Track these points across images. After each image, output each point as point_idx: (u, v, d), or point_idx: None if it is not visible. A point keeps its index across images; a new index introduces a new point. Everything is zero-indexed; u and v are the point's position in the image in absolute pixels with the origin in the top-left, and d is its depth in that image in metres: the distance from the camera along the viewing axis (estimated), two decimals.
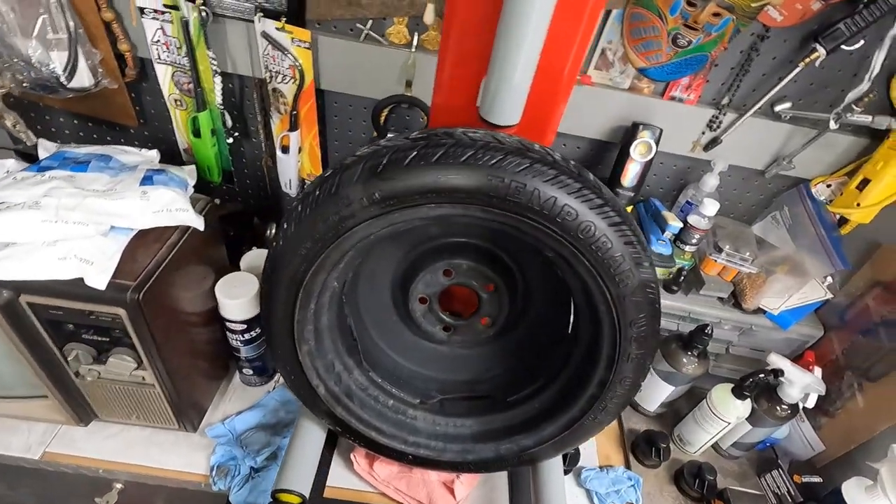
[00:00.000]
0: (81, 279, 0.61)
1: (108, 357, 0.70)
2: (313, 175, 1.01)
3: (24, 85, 0.83)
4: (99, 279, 0.60)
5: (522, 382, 0.80)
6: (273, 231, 1.04)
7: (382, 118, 0.92)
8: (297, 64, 0.84)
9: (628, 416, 1.06)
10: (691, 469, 0.96)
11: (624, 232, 0.58)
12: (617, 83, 0.89)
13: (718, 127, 0.90)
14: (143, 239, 0.67)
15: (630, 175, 0.90)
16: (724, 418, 0.91)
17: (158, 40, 0.83)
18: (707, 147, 0.93)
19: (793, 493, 0.93)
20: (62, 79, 0.82)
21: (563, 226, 0.57)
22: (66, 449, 0.82)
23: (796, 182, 0.97)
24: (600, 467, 0.98)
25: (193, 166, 0.83)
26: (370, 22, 0.84)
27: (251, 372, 0.95)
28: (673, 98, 0.89)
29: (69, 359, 0.69)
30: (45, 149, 0.76)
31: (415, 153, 0.55)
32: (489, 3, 0.56)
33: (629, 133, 0.89)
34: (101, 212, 0.63)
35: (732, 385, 0.91)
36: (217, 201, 0.81)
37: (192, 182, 0.78)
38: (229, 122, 0.93)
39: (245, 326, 0.85)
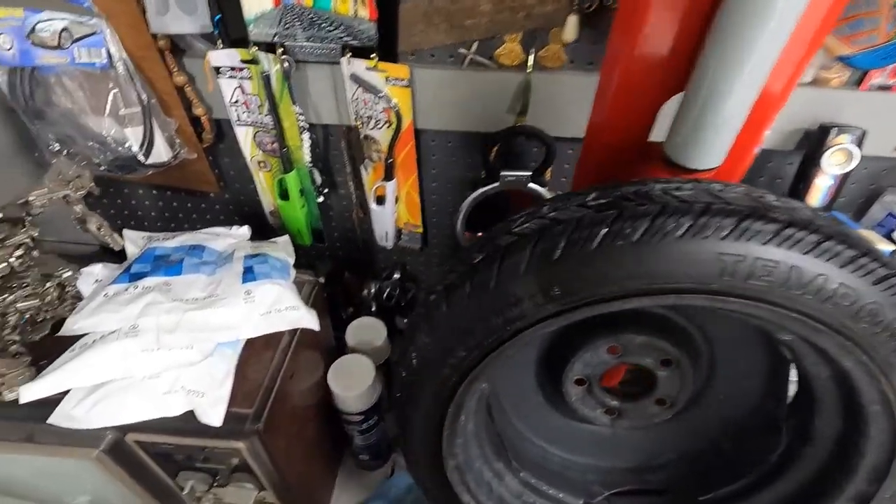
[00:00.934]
0: (192, 411, 0.51)
1: (227, 483, 0.60)
2: (411, 225, 0.89)
3: (102, 168, 0.75)
4: (213, 414, 0.50)
5: (716, 477, 0.63)
6: (373, 294, 0.92)
7: (492, 155, 0.78)
8: (394, 106, 0.71)
9: None
10: None
11: None
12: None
13: None
14: (252, 348, 0.56)
15: (820, 192, 0.70)
16: None
17: (237, 100, 0.73)
18: None
19: None
20: (139, 156, 0.73)
21: (833, 311, 0.40)
22: None
23: None
24: None
25: (287, 238, 0.72)
26: (475, 44, 0.70)
27: (368, 457, 0.84)
28: (871, 87, 0.68)
29: (185, 491, 0.59)
30: (132, 241, 0.67)
31: (605, 230, 0.40)
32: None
33: (815, 139, 0.70)
34: (206, 327, 0.53)
35: None
36: (322, 280, 0.70)
37: (291, 261, 0.67)
38: (319, 180, 0.82)
39: (363, 417, 0.74)
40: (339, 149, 0.83)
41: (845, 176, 0.69)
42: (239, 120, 0.75)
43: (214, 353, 0.53)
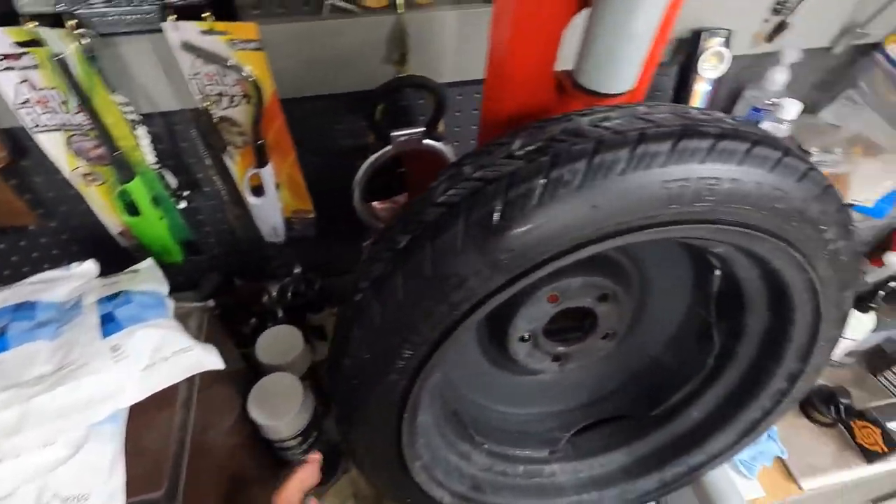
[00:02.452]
0: None
1: None
2: (301, 211, 0.77)
3: None
4: None
5: (662, 390, 0.66)
6: (281, 300, 0.80)
7: (377, 115, 0.68)
8: (247, 75, 0.58)
9: None
10: (821, 395, 0.88)
11: (832, 194, 0.42)
12: None
13: (787, 9, 0.73)
14: (142, 414, 0.44)
15: (700, 98, 0.72)
16: (852, 337, 0.82)
17: (27, 99, 0.54)
18: (771, 37, 0.76)
19: None
20: None
21: (769, 217, 0.40)
22: None
23: (867, 50, 0.82)
24: None
25: (151, 262, 0.57)
26: None
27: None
28: None
29: None
30: None
31: (543, 180, 0.35)
32: None
33: (689, 46, 0.71)
34: (67, 410, 0.39)
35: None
36: (210, 302, 0.58)
37: (165, 290, 0.54)
38: (174, 182, 0.66)
39: (301, 438, 0.65)
40: (190, 139, 0.68)
41: (720, 82, 0.71)
42: (38, 125, 0.57)
43: (90, 439, 0.40)
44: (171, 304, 0.52)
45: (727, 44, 0.69)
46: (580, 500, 0.64)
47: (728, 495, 0.67)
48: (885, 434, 0.80)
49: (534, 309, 0.53)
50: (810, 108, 0.91)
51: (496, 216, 0.35)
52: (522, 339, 0.57)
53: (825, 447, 0.86)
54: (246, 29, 0.55)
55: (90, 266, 0.55)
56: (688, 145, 0.35)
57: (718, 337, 0.59)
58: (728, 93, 0.86)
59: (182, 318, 0.52)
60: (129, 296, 0.50)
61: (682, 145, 0.35)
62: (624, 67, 0.40)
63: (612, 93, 0.42)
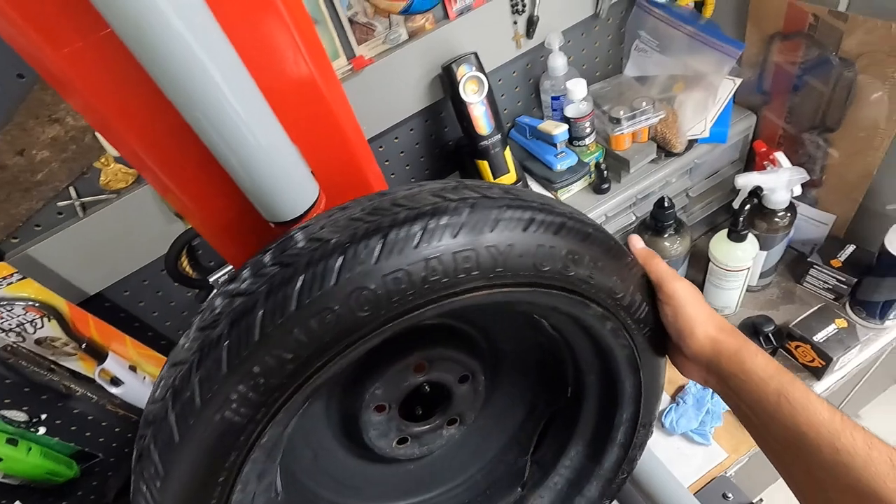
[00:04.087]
0: None
1: None
2: None
3: None
4: None
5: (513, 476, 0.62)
6: None
7: (185, 265, 0.69)
8: (34, 302, 0.59)
9: None
10: (746, 329, 0.85)
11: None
12: (395, 40, 0.69)
13: (524, 4, 0.73)
14: None
15: (482, 120, 0.72)
16: (740, 267, 0.80)
17: None
18: (529, 32, 0.76)
19: (842, 279, 0.84)
20: None
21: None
22: None
23: (631, 3, 0.82)
24: (673, 399, 0.85)
25: None
26: (72, 189, 0.60)
27: None
28: (461, 13, 0.71)
29: None
30: None
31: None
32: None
33: (446, 80, 0.71)
34: None
35: (726, 232, 0.80)
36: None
37: None
38: (22, 416, 0.67)
39: None
40: (21, 367, 0.69)
41: (490, 96, 0.72)
42: None
43: None
44: None
45: (480, 65, 0.70)
46: None
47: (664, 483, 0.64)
48: (815, 348, 0.77)
49: (400, 375, 0.51)
50: (616, 70, 0.91)
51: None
52: (378, 410, 0.54)
53: None
54: (2, 267, 0.56)
55: None
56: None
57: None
58: (530, 89, 0.86)
59: None
60: None
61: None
62: (281, 198, 0.40)
63: (296, 216, 0.42)
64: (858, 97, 0.73)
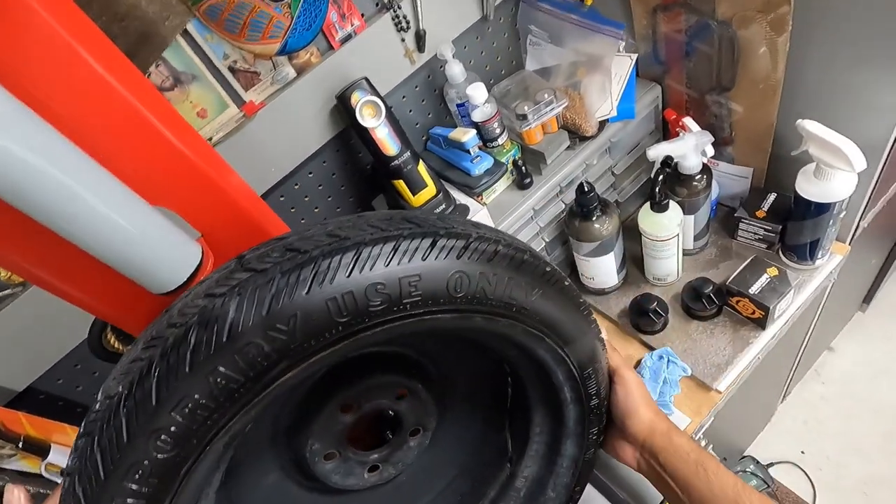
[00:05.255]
0: None
1: None
2: None
3: None
4: None
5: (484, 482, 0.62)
6: None
7: (112, 340, 0.68)
8: None
9: (608, 308, 0.95)
10: (689, 294, 0.87)
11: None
12: (283, 80, 0.69)
13: (407, 21, 0.74)
14: None
15: (387, 141, 0.72)
16: (669, 235, 0.82)
17: None
18: (420, 46, 0.77)
19: (768, 227, 0.86)
20: None
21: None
22: None
23: (517, 0, 0.84)
24: None
25: None
26: None
27: None
28: (345, 40, 0.71)
29: None
30: None
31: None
32: None
33: (342, 109, 0.71)
34: None
35: (647, 204, 0.81)
36: None
37: None
38: None
39: None
40: None
41: (391, 116, 0.72)
42: None
43: None
44: None
45: (373, 88, 0.70)
46: None
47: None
48: (753, 300, 0.79)
49: (324, 424, 0.50)
50: (520, 66, 0.92)
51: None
52: (328, 458, 0.53)
53: (722, 337, 0.84)
54: None
55: None
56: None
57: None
58: (436, 99, 0.87)
59: None
60: None
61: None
62: (158, 274, 0.40)
63: (180, 284, 0.42)
64: (744, 54, 0.75)
